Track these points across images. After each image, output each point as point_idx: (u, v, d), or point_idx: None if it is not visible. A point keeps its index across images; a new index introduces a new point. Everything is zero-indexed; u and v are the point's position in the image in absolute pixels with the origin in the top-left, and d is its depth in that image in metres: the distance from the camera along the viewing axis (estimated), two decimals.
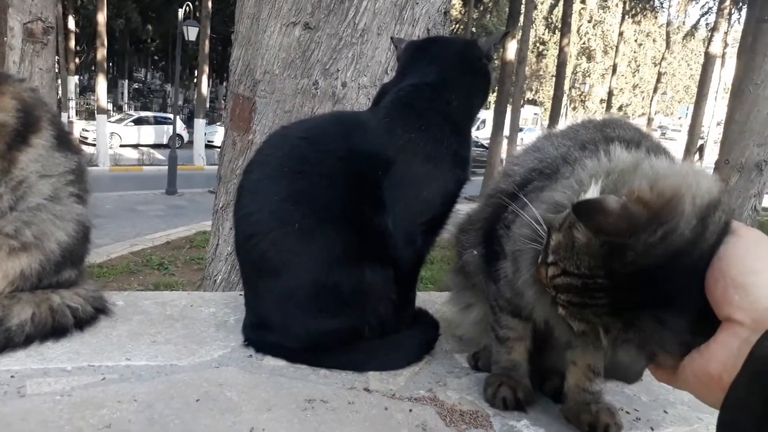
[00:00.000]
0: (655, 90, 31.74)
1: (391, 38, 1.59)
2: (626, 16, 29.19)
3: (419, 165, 1.31)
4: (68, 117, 20.11)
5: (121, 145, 22.48)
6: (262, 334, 1.29)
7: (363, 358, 1.27)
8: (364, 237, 1.26)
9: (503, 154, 17.32)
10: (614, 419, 1.09)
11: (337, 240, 1.23)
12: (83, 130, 22.53)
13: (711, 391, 0.68)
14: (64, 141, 1.38)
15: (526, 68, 26.41)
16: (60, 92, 20.69)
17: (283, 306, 1.25)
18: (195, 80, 26.56)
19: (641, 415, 1.19)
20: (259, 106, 2.71)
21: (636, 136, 1.10)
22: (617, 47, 31.37)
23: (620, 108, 47.83)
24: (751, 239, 0.72)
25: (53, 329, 1.25)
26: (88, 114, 25.46)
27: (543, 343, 1.20)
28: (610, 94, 32.24)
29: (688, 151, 21.13)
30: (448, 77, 1.39)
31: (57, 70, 20.09)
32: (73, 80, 24.02)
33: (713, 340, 0.69)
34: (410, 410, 1.12)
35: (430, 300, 1.76)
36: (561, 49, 20.63)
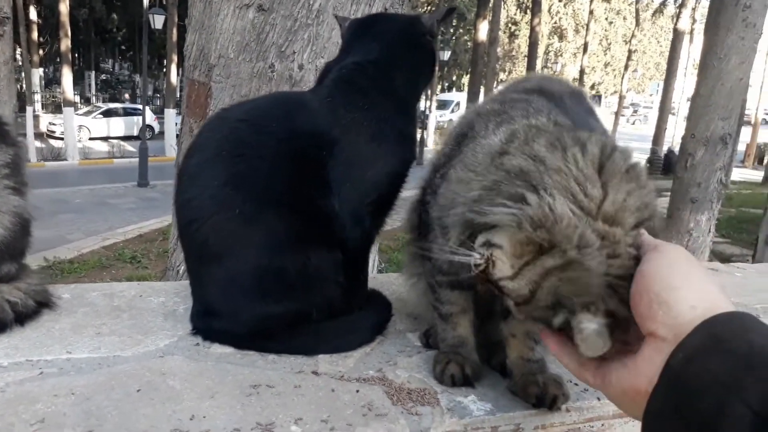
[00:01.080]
0: (626, 68, 31.98)
1: (335, 16, 1.56)
2: None
3: (363, 145, 1.29)
4: (34, 110, 19.58)
5: (91, 138, 22.05)
6: (209, 322, 1.27)
7: (313, 342, 1.26)
8: (309, 220, 1.24)
9: None
10: (562, 390, 1.10)
11: (280, 224, 1.21)
12: (50, 123, 22.05)
13: (638, 405, 0.70)
14: None
15: (499, 49, 26.44)
16: (24, 85, 20.18)
17: (228, 292, 1.23)
18: (164, 69, 26.10)
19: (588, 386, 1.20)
20: (215, 92, 2.67)
21: (558, 88, 1.13)
22: (588, 26, 31.47)
23: (592, 86, 48.18)
24: (672, 256, 0.75)
25: None
26: (55, 107, 24.87)
27: (486, 315, 1.20)
28: (582, 72, 32.42)
29: (659, 128, 21.43)
30: (392, 54, 1.37)
31: (20, 63, 19.57)
32: (38, 73, 23.40)
33: (639, 355, 0.72)
34: (357, 391, 1.11)
35: (388, 281, 1.76)
36: (532, 29, 20.68)
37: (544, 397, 1.09)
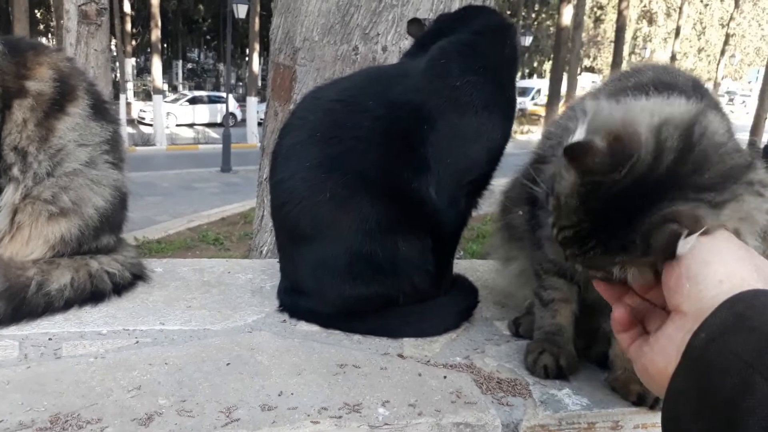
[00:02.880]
0: (723, 53, 30.05)
1: (409, 22, 1.50)
2: None
3: (472, 114, 1.24)
4: (126, 98, 20.73)
5: (177, 125, 23.06)
6: (296, 300, 1.27)
7: (398, 325, 1.24)
8: (401, 206, 1.20)
9: None
10: None
11: (372, 210, 1.18)
12: (141, 110, 23.24)
13: (660, 384, 0.67)
14: (100, 110, 1.38)
15: (583, 34, 25.45)
16: (118, 74, 21.37)
17: (317, 272, 1.22)
18: (246, 59, 26.91)
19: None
20: (299, 75, 2.68)
21: (672, 79, 1.05)
22: (681, 9, 29.71)
23: None
24: (719, 237, 0.71)
25: (91, 294, 1.27)
26: (145, 95, 26.22)
27: (590, 307, 1.14)
28: (673, 58, 30.67)
29: (758, 117, 19.98)
30: (495, 35, 1.34)
31: (114, 53, 20.72)
32: (131, 62, 24.71)
33: (661, 333, 0.70)
34: (445, 377, 1.07)
35: (472, 268, 1.70)
36: (620, 13, 19.70)
37: (646, 395, 1.01)
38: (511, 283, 1.34)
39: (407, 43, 2.46)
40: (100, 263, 1.32)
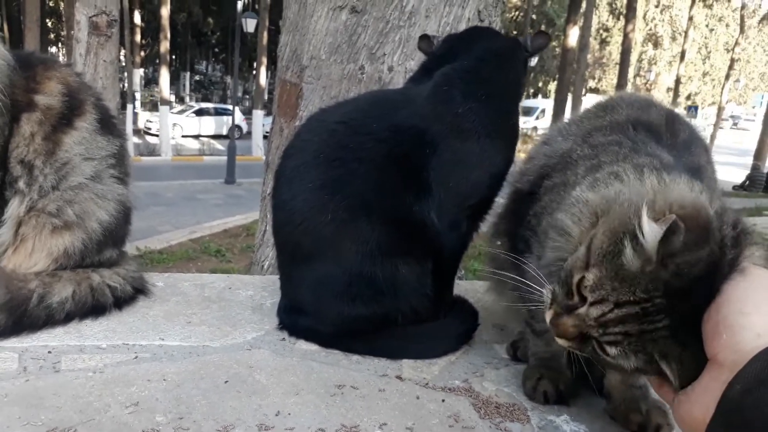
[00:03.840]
0: (727, 77, 30.10)
1: (420, 38, 1.52)
2: (697, 0, 27.76)
3: (474, 141, 1.25)
4: (133, 108, 20.86)
5: (183, 136, 23.17)
6: (296, 318, 1.27)
7: (397, 346, 1.23)
8: (401, 229, 1.21)
9: None
10: (666, 419, 1.01)
11: (372, 233, 1.18)
12: (147, 121, 23.37)
13: None
14: (107, 125, 1.39)
15: (589, 55, 25.60)
16: (126, 84, 21.52)
17: (317, 292, 1.22)
18: (254, 72, 27.10)
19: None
20: (305, 92, 2.70)
21: (647, 117, 1.08)
22: (686, 33, 29.86)
23: (689, 96, 45.65)
24: (755, 280, 0.72)
25: (92, 307, 1.27)
26: (152, 105, 26.38)
27: None
28: (678, 82, 30.78)
29: (762, 142, 20.01)
30: (498, 60, 1.35)
31: (123, 64, 20.89)
32: (138, 73, 24.92)
33: (698, 383, 0.70)
34: (443, 400, 1.07)
35: (473, 289, 1.70)
36: (625, 36, 19.82)
37: (647, 426, 1.01)
38: (504, 314, 1.33)
39: (413, 63, 2.49)
40: (102, 277, 1.32)
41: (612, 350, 0.78)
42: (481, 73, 1.31)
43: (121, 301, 1.33)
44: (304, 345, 1.24)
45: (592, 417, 1.06)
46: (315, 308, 1.24)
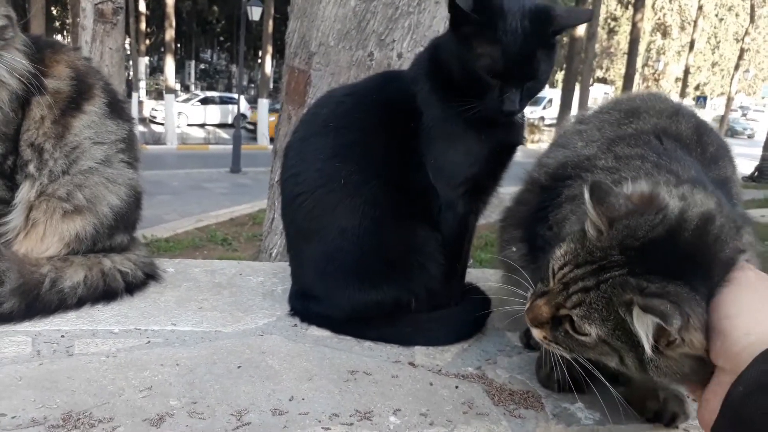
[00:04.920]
0: (737, 68, 29.80)
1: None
2: None
3: (442, 122, 1.21)
4: (138, 97, 20.84)
5: (188, 125, 23.14)
6: (308, 304, 1.27)
7: (409, 332, 1.23)
8: (410, 194, 1.21)
9: None
10: (683, 408, 1.01)
11: (385, 196, 1.18)
12: (153, 109, 23.35)
13: None
14: (116, 109, 1.38)
15: (597, 45, 25.41)
16: (131, 73, 21.50)
17: (327, 273, 1.22)
18: (259, 60, 27.03)
19: None
20: (314, 79, 2.68)
21: (684, 128, 1.10)
22: (695, 22, 29.57)
23: (697, 87, 45.28)
24: (743, 285, 0.76)
25: (104, 292, 1.27)
26: (158, 94, 26.35)
27: None
28: (686, 72, 30.53)
29: None
30: None
31: (128, 52, 20.86)
32: (144, 61, 24.86)
33: (707, 390, 0.73)
34: (456, 387, 1.07)
35: (484, 277, 1.69)
36: (634, 25, 19.63)
37: (663, 413, 1.00)
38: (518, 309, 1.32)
39: (422, 49, 2.46)
40: (113, 262, 1.32)
41: (576, 312, 0.83)
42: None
43: (132, 287, 1.32)
44: (316, 331, 1.24)
45: (607, 404, 1.05)
46: (326, 293, 1.24)
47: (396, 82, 1.30)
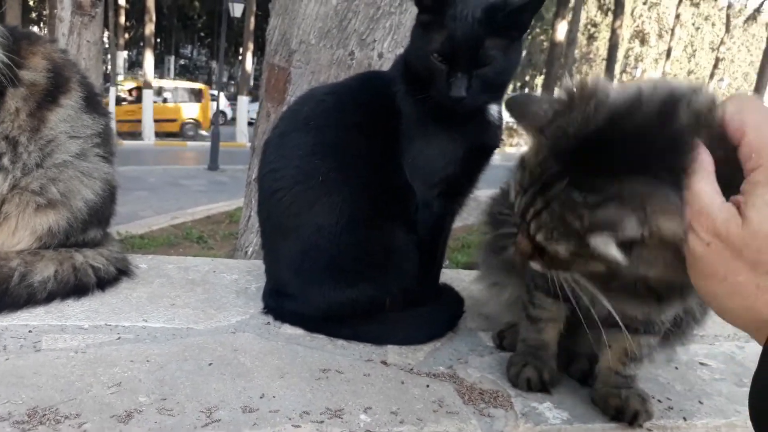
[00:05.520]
0: (712, 76, 30.43)
1: None
2: None
3: (417, 121, 1.23)
4: (116, 91, 20.56)
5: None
6: (281, 302, 1.27)
7: (382, 331, 1.24)
8: (389, 194, 1.22)
9: None
10: (645, 406, 1.03)
11: (363, 195, 1.19)
12: None
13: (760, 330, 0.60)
14: (92, 102, 1.37)
15: (576, 50, 25.71)
16: (110, 66, 21.17)
17: (302, 271, 1.22)
18: (240, 57, 26.83)
19: (674, 404, 1.12)
20: (294, 77, 2.67)
21: None
22: (673, 31, 30.13)
23: None
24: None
25: (75, 287, 1.25)
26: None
27: (575, 325, 1.14)
28: None
29: None
30: None
31: (107, 45, 20.55)
32: (122, 55, 24.53)
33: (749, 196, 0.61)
34: (427, 386, 1.07)
35: (458, 278, 1.71)
36: (613, 32, 19.94)
37: (625, 410, 1.02)
38: (500, 309, 1.32)
39: (403, 50, 2.47)
40: (85, 257, 1.31)
41: (538, 236, 0.76)
42: None
43: (104, 282, 1.31)
44: (289, 329, 1.24)
45: (575, 403, 1.08)
46: (300, 291, 1.24)
47: (376, 82, 1.31)
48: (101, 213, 1.35)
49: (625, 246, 0.68)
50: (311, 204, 1.19)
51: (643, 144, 0.68)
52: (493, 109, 1.25)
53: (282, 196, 1.22)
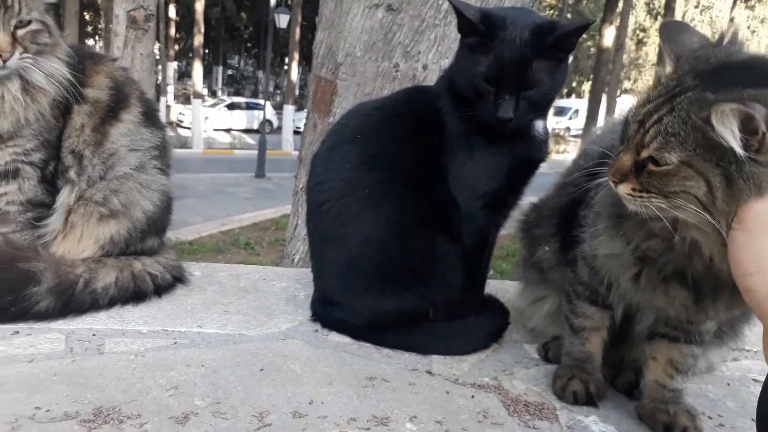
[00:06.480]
0: None
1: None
2: (738, 1, 27.04)
3: (462, 135, 1.25)
4: (166, 101, 21.21)
5: (214, 129, 23.47)
6: (329, 310, 1.30)
7: (427, 341, 1.25)
8: (434, 205, 1.24)
9: None
10: (694, 423, 1.01)
11: (408, 206, 1.22)
12: (180, 114, 23.72)
13: None
14: (150, 117, 1.44)
15: (625, 56, 25.16)
16: (160, 77, 21.88)
17: (348, 279, 1.25)
18: (285, 67, 27.31)
19: (725, 421, 1.10)
20: (340, 89, 2.72)
21: None
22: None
23: None
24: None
25: (134, 294, 1.32)
26: (185, 98, 26.77)
27: (620, 336, 1.14)
28: None
29: None
30: None
31: (158, 57, 21.23)
32: (172, 66, 25.32)
33: None
34: (472, 396, 1.09)
35: (503, 289, 1.71)
36: None
37: (673, 427, 1.01)
38: (543, 322, 1.33)
39: (447, 61, 2.49)
40: (144, 264, 1.37)
41: (654, 145, 0.80)
42: None
43: (160, 289, 1.37)
44: (336, 337, 1.27)
45: (620, 417, 1.07)
46: (347, 300, 1.27)
47: (422, 97, 1.34)
48: (159, 223, 1.42)
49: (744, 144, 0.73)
50: (358, 215, 1.23)
51: None
52: (539, 125, 1.26)
53: (329, 207, 1.26)
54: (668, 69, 0.85)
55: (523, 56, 1.14)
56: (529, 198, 1.38)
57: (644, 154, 0.81)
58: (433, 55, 2.53)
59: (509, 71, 1.14)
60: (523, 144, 1.26)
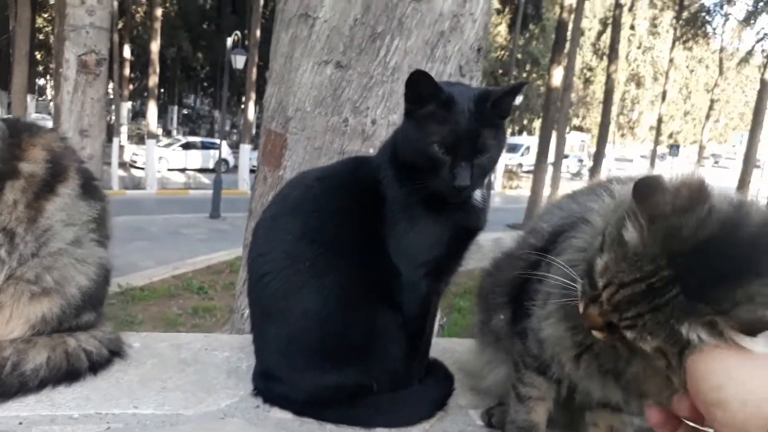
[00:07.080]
0: (708, 117, 30.87)
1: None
2: (677, 43, 28.59)
3: (401, 206, 1.26)
4: (119, 141, 20.85)
5: (169, 169, 23.18)
6: (270, 385, 1.28)
7: (371, 414, 1.24)
8: (376, 277, 1.24)
9: (547, 182, 17.10)
10: None
11: (349, 279, 1.22)
12: (133, 154, 23.40)
13: None
14: (89, 189, 1.41)
15: (573, 94, 26.16)
16: (113, 117, 21.55)
17: (290, 354, 1.23)
18: (242, 107, 27.32)
19: None
20: (290, 143, 2.74)
21: None
22: (667, 74, 30.67)
23: (670, 135, 46.62)
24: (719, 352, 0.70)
25: (67, 373, 1.27)
26: (139, 138, 26.42)
27: (564, 402, 1.16)
28: (660, 121, 31.47)
29: (743, 181, 20.42)
30: None
31: (111, 96, 20.96)
32: (126, 106, 25.04)
33: None
34: None
35: (451, 347, 1.72)
36: (609, 76, 20.34)
37: None
38: (496, 388, 1.34)
39: (396, 116, 2.54)
40: (78, 341, 1.32)
41: (629, 334, 0.76)
42: None
43: (96, 366, 1.32)
44: (278, 413, 1.25)
45: None
46: (288, 375, 1.25)
47: (364, 168, 1.35)
48: (95, 297, 1.38)
49: None
50: (299, 288, 1.22)
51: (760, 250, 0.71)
52: (477, 193, 1.29)
53: (270, 279, 1.25)
54: (636, 235, 0.76)
55: (475, 125, 1.17)
56: (485, 234, 1.38)
57: (620, 331, 0.78)
58: (381, 111, 2.58)
59: (465, 140, 1.17)
60: (463, 213, 1.29)
